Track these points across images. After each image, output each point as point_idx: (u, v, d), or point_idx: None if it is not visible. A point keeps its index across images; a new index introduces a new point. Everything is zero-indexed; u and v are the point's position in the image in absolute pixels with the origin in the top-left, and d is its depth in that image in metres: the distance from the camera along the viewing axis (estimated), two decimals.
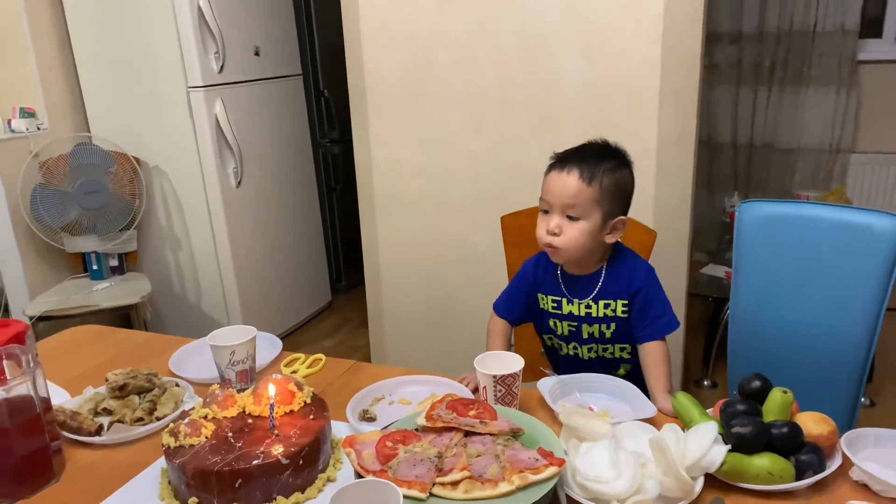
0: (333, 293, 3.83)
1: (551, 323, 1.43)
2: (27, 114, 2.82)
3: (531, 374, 1.28)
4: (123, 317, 2.80)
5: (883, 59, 3.46)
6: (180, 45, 2.73)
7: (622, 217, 1.32)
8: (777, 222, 1.48)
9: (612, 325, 1.37)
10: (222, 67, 2.83)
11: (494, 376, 1.13)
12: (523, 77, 2.20)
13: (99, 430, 1.17)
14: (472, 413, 1.04)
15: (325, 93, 3.57)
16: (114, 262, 2.95)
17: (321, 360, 1.42)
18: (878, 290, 1.36)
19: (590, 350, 1.41)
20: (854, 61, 3.42)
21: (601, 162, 1.29)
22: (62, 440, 1.12)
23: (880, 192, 3.56)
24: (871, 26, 3.49)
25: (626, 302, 1.35)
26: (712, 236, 3.32)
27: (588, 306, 1.37)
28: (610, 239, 1.33)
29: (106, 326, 1.72)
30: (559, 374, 1.29)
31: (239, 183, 2.98)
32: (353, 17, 2.34)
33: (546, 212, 1.33)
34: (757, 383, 1.05)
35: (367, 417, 1.19)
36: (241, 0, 2.92)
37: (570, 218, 1.29)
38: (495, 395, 1.15)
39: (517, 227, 1.80)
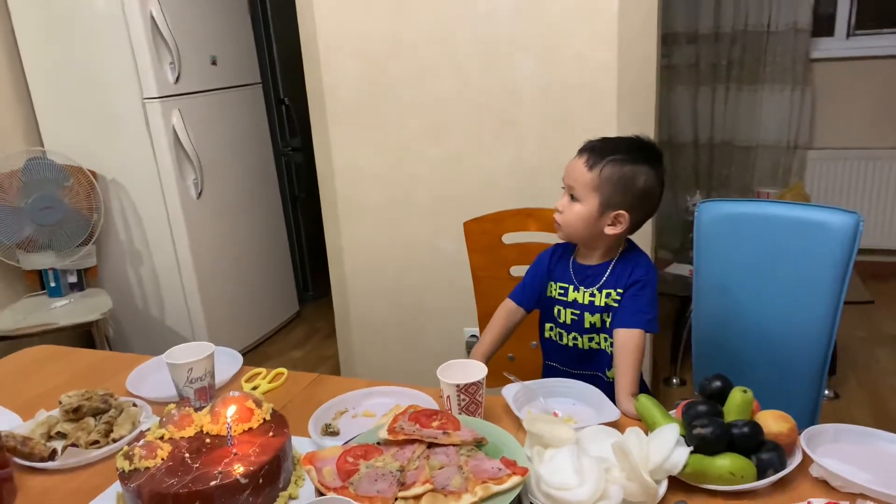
0: (301, 303, 3.79)
1: (556, 310, 1.45)
2: None
3: (496, 380, 1.27)
4: (85, 335, 2.73)
5: (835, 56, 3.55)
6: (133, 56, 2.67)
7: (623, 211, 1.32)
8: (736, 221, 1.50)
9: (612, 315, 1.39)
10: (178, 77, 2.78)
11: (458, 385, 1.12)
12: (481, 82, 2.20)
13: (52, 455, 1.13)
14: (435, 424, 1.03)
15: (285, 101, 3.53)
16: (72, 279, 2.88)
17: (283, 374, 1.40)
18: (834, 284, 1.38)
19: (591, 340, 1.43)
20: (807, 59, 3.49)
21: (612, 153, 1.31)
22: (13, 467, 1.09)
23: (837, 187, 3.64)
24: (824, 25, 3.57)
25: (621, 290, 1.37)
26: (676, 235, 3.35)
27: (592, 295, 1.39)
28: (610, 231, 1.34)
29: (62, 346, 1.67)
30: (557, 367, 1.33)
31: (199, 194, 2.93)
32: (310, 24, 2.32)
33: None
34: (717, 384, 1.05)
35: (329, 432, 1.17)
36: (195, 8, 2.88)
37: (573, 199, 1.34)
38: (459, 405, 1.14)
39: (480, 232, 1.79)
